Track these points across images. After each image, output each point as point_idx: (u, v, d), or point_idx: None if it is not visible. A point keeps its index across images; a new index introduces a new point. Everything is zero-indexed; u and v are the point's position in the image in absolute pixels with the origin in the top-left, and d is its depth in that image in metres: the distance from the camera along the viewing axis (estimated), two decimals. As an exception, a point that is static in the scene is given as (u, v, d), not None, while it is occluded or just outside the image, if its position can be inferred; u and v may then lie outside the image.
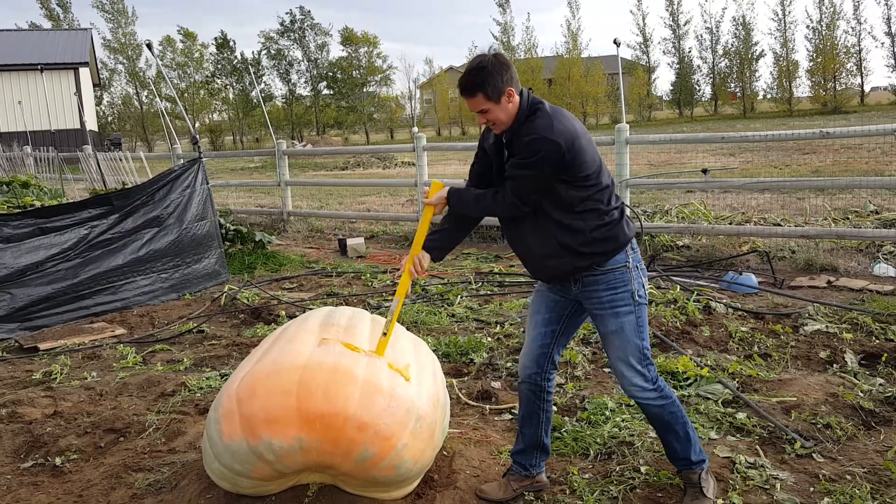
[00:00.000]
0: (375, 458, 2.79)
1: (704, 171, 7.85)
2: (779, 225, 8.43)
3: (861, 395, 4.00)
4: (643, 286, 2.94)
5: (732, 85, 56.55)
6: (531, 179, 2.79)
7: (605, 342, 2.99)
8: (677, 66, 58.01)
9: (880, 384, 4.16)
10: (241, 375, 2.97)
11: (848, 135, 7.26)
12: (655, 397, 2.93)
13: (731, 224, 8.40)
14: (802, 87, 52.91)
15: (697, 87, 58.73)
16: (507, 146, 2.92)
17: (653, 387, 2.92)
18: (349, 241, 9.54)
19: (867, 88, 53.51)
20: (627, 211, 8.16)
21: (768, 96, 55.05)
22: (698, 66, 58.43)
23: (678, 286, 6.44)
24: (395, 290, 7.09)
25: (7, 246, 6.21)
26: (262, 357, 3.07)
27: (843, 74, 50.66)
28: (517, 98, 2.84)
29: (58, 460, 3.70)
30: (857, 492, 3.04)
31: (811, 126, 7.33)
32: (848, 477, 3.19)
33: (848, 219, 8.87)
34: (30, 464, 3.71)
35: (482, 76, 2.78)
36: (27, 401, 4.47)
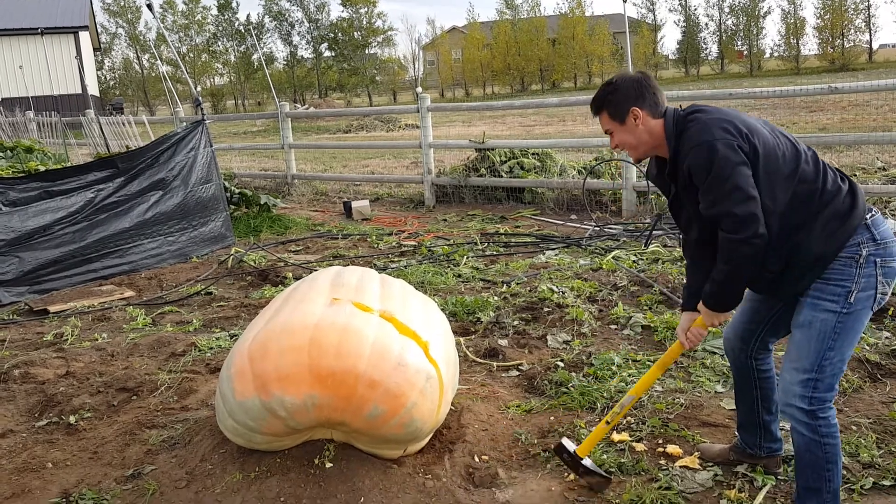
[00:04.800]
0: (385, 415, 2.82)
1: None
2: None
3: (867, 348, 4.02)
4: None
5: (739, 43, 55.85)
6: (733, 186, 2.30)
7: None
8: (683, 24, 57.29)
9: (886, 337, 4.18)
10: (252, 334, 3.00)
11: (856, 90, 7.19)
12: (804, 422, 2.45)
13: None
14: (810, 45, 52.48)
15: (704, 46, 58.07)
16: (670, 177, 2.53)
17: (808, 407, 2.42)
18: (354, 204, 9.54)
19: (875, 45, 52.82)
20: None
21: (775, 54, 54.42)
22: (705, 24, 57.75)
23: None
24: (401, 252, 7.15)
25: (14, 210, 6.23)
26: (273, 316, 3.09)
27: (852, 31, 50.01)
28: (652, 121, 2.51)
29: (72, 419, 3.75)
30: (863, 441, 3.08)
31: (819, 83, 7.28)
32: (854, 427, 3.23)
33: (855, 175, 8.82)
34: (44, 422, 3.77)
35: (606, 91, 2.56)
36: (39, 361, 4.53)
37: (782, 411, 2.53)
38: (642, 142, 2.55)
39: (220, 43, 60.95)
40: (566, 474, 3.00)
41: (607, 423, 2.88)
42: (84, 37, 35.29)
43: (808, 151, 2.45)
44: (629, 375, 3.85)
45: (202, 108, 8.35)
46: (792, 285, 2.46)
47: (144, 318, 5.47)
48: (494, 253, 6.96)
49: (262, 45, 60.46)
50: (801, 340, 2.44)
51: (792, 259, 2.41)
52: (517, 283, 5.69)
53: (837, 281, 2.38)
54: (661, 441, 3.21)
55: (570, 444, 2.93)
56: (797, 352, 2.45)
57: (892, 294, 4.78)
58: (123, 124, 14.37)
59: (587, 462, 2.88)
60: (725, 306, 2.51)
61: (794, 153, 2.41)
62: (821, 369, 2.40)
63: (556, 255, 6.63)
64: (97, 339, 5.04)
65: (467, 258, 6.68)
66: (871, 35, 51.03)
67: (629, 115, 2.52)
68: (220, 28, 60.22)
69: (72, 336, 5.11)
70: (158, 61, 37.94)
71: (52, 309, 5.82)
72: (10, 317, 5.78)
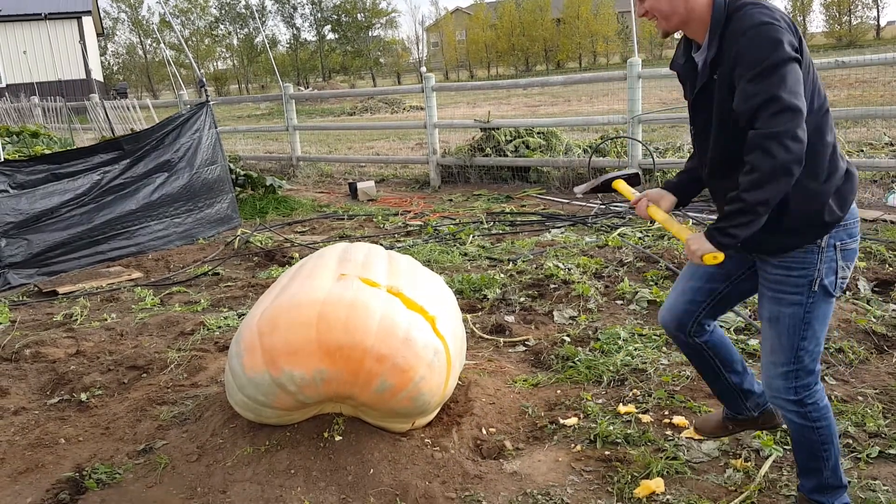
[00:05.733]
0: (394, 389, 2.84)
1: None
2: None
3: (874, 320, 4.02)
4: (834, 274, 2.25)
5: (745, 20, 55.33)
6: (785, 83, 2.01)
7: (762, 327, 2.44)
8: (689, 2, 56.75)
9: (893, 310, 4.18)
10: (261, 310, 3.02)
11: (863, 63, 7.13)
12: (793, 410, 2.36)
13: (743, 159, 8.31)
14: (817, 22, 51.93)
15: (709, 24, 57.52)
16: (709, 65, 2.22)
17: (795, 397, 2.34)
18: (359, 185, 9.54)
19: (883, 22, 52.32)
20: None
21: (782, 31, 53.90)
22: (710, 2, 57.11)
23: (690, 220, 6.44)
24: (407, 232, 7.16)
25: (22, 192, 6.25)
26: (281, 292, 3.11)
27: (859, 7, 49.50)
28: None
29: (83, 396, 3.80)
30: (869, 411, 3.09)
31: (826, 59, 7.22)
32: (860, 398, 3.24)
33: (862, 151, 8.78)
34: (56, 400, 3.81)
35: None
36: (50, 341, 4.57)
37: (771, 402, 2.46)
38: (676, 12, 2.23)
39: (222, 27, 60.78)
40: (573, 445, 3.03)
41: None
42: (87, 22, 35.17)
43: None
44: (635, 349, 3.87)
45: (206, 90, 8.34)
46: (764, 236, 2.21)
47: (153, 299, 5.50)
48: (500, 231, 6.96)
49: (264, 27, 60.25)
50: (772, 336, 2.33)
51: (788, 204, 2.17)
52: (523, 261, 5.70)
53: (799, 271, 2.24)
54: (667, 412, 3.23)
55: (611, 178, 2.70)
56: (770, 347, 2.35)
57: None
58: (128, 108, 14.41)
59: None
60: (726, 237, 2.15)
61: (822, 98, 2.21)
62: (798, 360, 2.31)
63: (561, 232, 6.63)
64: (106, 320, 5.08)
65: (473, 237, 6.69)
66: (878, 11, 50.79)
67: None
68: (223, 11, 60.02)
69: (81, 316, 5.15)
70: (162, 45, 37.78)
71: (60, 290, 5.86)
72: (21, 298, 5.82)
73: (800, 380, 2.32)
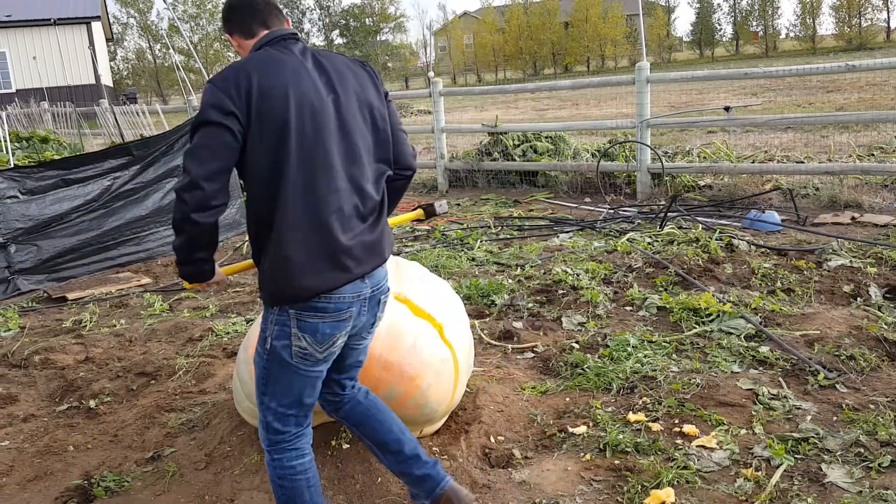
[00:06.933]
0: (401, 397, 2.83)
1: (727, 109, 7.71)
2: (802, 163, 8.30)
3: (885, 327, 3.99)
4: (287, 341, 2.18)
5: (754, 23, 55.18)
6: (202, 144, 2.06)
7: None
8: (697, 4, 56.67)
9: (905, 317, 4.14)
10: (267, 316, 3.01)
11: (874, 67, 7.09)
12: (266, 454, 2.32)
13: (753, 163, 8.29)
14: (826, 24, 51.69)
15: (718, 27, 57.42)
16: None
17: (266, 445, 2.30)
18: (368, 189, 9.52)
19: (893, 24, 51.99)
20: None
21: (791, 35, 53.74)
22: (719, 5, 57.10)
23: (700, 225, 6.41)
24: (414, 236, 7.16)
25: (32, 198, 6.28)
26: (287, 298, 3.10)
27: (869, 9, 49.25)
28: (246, 42, 2.28)
29: (92, 403, 3.80)
30: (881, 420, 3.06)
31: (836, 62, 7.21)
32: (871, 406, 3.21)
33: (873, 155, 8.73)
34: (65, 407, 3.82)
35: (223, 13, 2.33)
36: (59, 348, 4.58)
37: None
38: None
39: (231, 31, 61.03)
40: (582, 454, 3.01)
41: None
42: (97, 27, 35.38)
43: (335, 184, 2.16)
44: (644, 356, 3.85)
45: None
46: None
47: (161, 305, 5.51)
48: (508, 236, 6.95)
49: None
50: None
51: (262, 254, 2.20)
52: (531, 266, 5.69)
53: (263, 324, 2.22)
54: (677, 421, 3.21)
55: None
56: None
57: None
58: (137, 114, 14.46)
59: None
60: (187, 275, 2.29)
61: (284, 170, 2.10)
62: (263, 411, 2.25)
63: (570, 237, 6.61)
64: (115, 326, 5.09)
65: (481, 242, 6.68)
66: (888, 13, 50.28)
67: (232, 41, 2.31)
68: (232, 16, 60.26)
69: (90, 322, 5.17)
70: (171, 50, 37.99)
71: (70, 296, 5.88)
72: (30, 304, 5.84)
73: (268, 432, 2.26)
